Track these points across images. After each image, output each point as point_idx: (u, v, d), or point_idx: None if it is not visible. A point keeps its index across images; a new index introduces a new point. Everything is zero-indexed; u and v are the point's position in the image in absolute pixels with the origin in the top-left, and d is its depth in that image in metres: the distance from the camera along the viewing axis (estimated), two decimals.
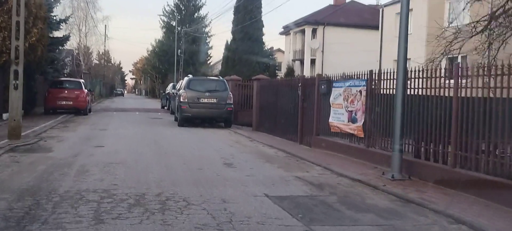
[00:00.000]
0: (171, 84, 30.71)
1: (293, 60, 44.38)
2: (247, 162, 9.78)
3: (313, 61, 42.24)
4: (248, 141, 13.93)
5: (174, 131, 16.06)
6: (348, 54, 38.10)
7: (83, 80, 24.29)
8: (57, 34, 30.31)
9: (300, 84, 13.38)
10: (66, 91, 22.42)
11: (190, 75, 18.98)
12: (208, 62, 58.02)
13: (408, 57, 27.41)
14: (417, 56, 27.35)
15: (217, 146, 12.38)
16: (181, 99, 17.53)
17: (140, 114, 24.88)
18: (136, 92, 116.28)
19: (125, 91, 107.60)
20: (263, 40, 24.31)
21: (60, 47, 29.90)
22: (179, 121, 17.80)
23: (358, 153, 10.20)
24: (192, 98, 17.46)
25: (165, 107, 30.03)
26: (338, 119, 11.10)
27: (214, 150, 11.53)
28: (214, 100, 17.53)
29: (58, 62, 31.13)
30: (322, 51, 41.60)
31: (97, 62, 61.89)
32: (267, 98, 16.48)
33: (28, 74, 21.82)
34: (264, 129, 16.48)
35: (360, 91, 10.21)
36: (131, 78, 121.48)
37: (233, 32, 23.50)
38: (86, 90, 23.20)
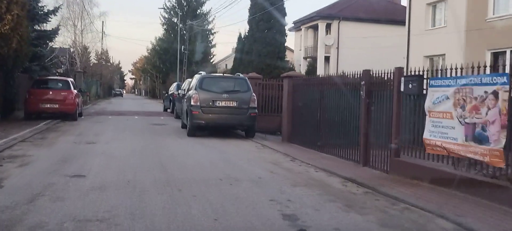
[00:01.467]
0: (175, 84, 26.57)
1: (305, 58, 40.48)
2: (318, 210, 5.73)
3: (326, 59, 38.37)
4: (289, 161, 9.88)
5: (184, 144, 12.01)
6: (365, 51, 34.34)
7: (72, 80, 20.20)
8: (46, 28, 26.57)
9: (363, 83, 9.37)
10: (51, 92, 18.34)
11: (203, 72, 14.94)
12: (211, 60, 53.87)
13: (442, 52, 22.99)
14: (456, 49, 23.56)
15: (252, 172, 8.33)
16: (192, 103, 13.50)
17: (139, 119, 20.81)
18: (136, 93, 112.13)
19: (124, 92, 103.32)
20: (286, 31, 20.18)
21: (48, 42, 25.89)
22: (189, 129, 13.75)
23: (492, 192, 6.18)
24: (205, 101, 13.44)
25: (168, 110, 25.94)
26: (443, 134, 7.09)
27: (251, 181, 7.47)
28: (234, 104, 13.50)
29: (51, 59, 27.12)
30: (337, 48, 37.70)
31: (96, 61, 57.63)
32: (304, 101, 12.47)
33: (5, 71, 17.84)
34: (300, 141, 12.48)
35: (494, 93, 6.19)
36: (131, 78, 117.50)
37: (249, 22, 19.36)
38: (75, 91, 19.13)
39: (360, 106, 9.54)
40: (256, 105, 13.85)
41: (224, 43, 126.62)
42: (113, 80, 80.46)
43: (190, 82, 18.49)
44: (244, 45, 21.43)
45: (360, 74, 9.71)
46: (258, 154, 10.88)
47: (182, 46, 43.34)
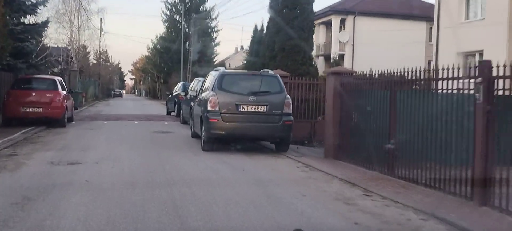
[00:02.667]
0: (180, 84, 23.16)
1: (316, 56, 37.11)
2: None
3: (341, 57, 35.08)
4: (364, 197, 6.51)
5: (202, 166, 8.66)
6: (383, 48, 31.19)
7: (60, 79, 16.77)
8: (37, 21, 23.21)
9: (480, 80, 6.07)
10: (34, 94, 15.02)
11: (222, 68, 11.61)
12: (214, 60, 50.45)
13: (479, 48, 19.47)
14: (496, 44, 20.29)
15: (326, 224, 5.02)
16: (209, 108, 10.16)
17: (140, 125, 17.43)
18: (136, 93, 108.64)
19: (124, 92, 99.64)
20: (313, 21, 16.71)
21: (36, 37, 22.47)
22: (205, 142, 10.39)
23: None
24: (226, 106, 10.12)
25: (173, 113, 22.55)
26: None
27: None
28: (263, 109, 10.18)
29: (45, 57, 23.78)
30: (353, 45, 34.45)
31: (95, 61, 54.14)
32: (361, 106, 9.15)
33: None
34: (355, 158, 9.14)
35: None
36: (131, 79, 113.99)
37: (270, 8, 15.96)
38: (64, 92, 15.79)
39: (472, 115, 6.24)
40: (291, 111, 10.54)
41: (226, 41, 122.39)
42: (112, 81, 77.00)
43: (201, 81, 15.19)
44: (261, 39, 18.07)
45: (473, 68, 6.41)
46: (309, 182, 7.54)
47: (187, 43, 39.82)
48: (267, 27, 16.54)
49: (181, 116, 18.55)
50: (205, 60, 45.57)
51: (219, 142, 10.52)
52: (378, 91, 8.56)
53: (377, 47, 31.49)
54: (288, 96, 10.54)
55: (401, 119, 7.92)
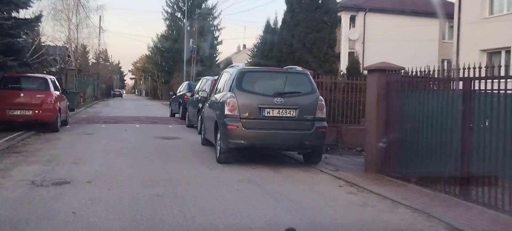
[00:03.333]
0: (185, 84, 21.30)
1: None
2: None
3: (350, 55, 33.31)
4: None
5: (221, 186, 6.79)
6: (394, 46, 29.41)
7: (52, 78, 14.91)
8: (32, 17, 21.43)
9: None
10: (22, 94, 13.24)
11: (241, 65, 9.75)
12: (216, 60, 48.56)
13: (506, 45, 17.19)
14: None
15: None
16: (227, 111, 8.31)
17: (141, 129, 15.55)
18: (136, 93, 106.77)
19: (124, 92, 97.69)
20: (337, 13, 14.89)
21: (28, 33, 20.58)
22: (222, 153, 8.52)
23: None
24: (247, 109, 8.28)
25: (177, 115, 20.69)
26: None
27: None
28: (292, 113, 8.34)
29: (40, 56, 21.98)
30: (363, 43, 32.67)
31: (94, 61, 52.21)
32: (416, 111, 7.32)
33: None
34: (402, 173, 7.33)
35: None
36: (131, 78, 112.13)
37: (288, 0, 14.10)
38: (56, 92, 13.96)
39: None
40: (325, 115, 8.70)
41: (228, 40, 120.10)
42: (112, 80, 75.08)
43: (210, 80, 13.39)
44: (274, 34, 16.22)
45: None
46: (368, 211, 5.69)
47: (191, 40, 37.92)
48: (283, 20, 14.68)
49: (186, 119, 16.71)
50: (207, 59, 43.72)
51: (238, 152, 8.68)
52: (445, 92, 6.74)
53: (388, 45, 29.80)
54: (321, 97, 8.71)
55: (480, 127, 6.10)
